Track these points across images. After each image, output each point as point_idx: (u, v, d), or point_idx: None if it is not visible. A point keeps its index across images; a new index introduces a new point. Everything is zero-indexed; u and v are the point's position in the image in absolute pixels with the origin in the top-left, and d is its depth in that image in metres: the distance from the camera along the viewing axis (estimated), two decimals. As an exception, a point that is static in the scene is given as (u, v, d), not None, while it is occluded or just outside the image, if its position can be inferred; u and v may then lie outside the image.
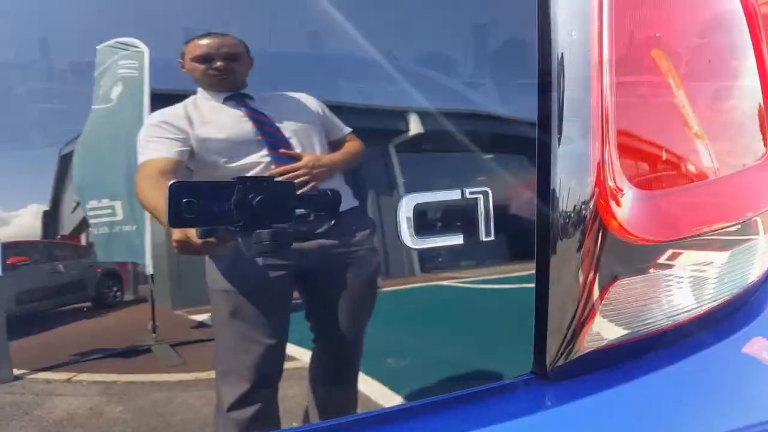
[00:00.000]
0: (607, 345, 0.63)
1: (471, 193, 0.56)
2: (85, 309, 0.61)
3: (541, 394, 0.60)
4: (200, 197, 0.53)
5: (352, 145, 0.59)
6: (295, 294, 0.62)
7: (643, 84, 0.65)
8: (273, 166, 0.58)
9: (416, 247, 0.56)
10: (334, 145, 0.59)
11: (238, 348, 0.63)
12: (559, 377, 0.61)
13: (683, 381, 0.65)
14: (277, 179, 0.56)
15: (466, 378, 0.60)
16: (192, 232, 0.55)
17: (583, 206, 0.58)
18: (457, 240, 0.56)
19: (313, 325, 0.62)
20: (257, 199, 0.53)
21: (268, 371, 0.62)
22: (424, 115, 0.59)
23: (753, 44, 0.73)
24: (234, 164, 0.58)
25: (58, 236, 0.58)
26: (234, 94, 0.59)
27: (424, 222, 0.56)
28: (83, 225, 0.56)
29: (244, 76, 0.59)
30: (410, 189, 0.56)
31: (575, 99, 0.60)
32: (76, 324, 0.62)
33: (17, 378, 0.60)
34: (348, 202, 0.60)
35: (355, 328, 0.61)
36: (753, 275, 0.75)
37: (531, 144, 0.60)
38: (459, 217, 0.57)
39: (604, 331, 0.62)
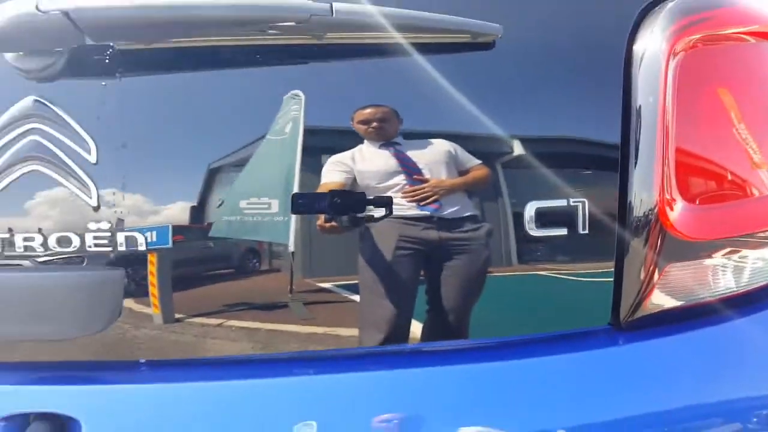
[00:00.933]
0: (664, 310, 0.89)
1: (573, 201, 0.85)
2: (232, 274, 0.92)
3: (615, 337, 0.87)
4: (306, 200, 0.86)
5: (477, 173, 0.88)
6: (422, 271, 0.91)
7: (704, 120, 0.90)
8: (407, 187, 0.88)
9: (536, 234, 0.85)
10: (463, 173, 0.89)
11: (374, 307, 0.91)
12: (628, 328, 0.88)
13: (721, 338, 0.90)
14: (349, 191, 0.86)
15: (566, 324, 0.89)
16: (323, 218, 0.85)
17: (649, 212, 0.85)
18: (563, 232, 0.85)
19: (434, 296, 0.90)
20: (339, 200, 0.84)
21: (397, 327, 0.90)
22: (543, 143, 0.88)
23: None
24: (381, 185, 0.88)
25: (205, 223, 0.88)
26: (386, 142, 0.89)
27: (542, 219, 0.85)
28: (236, 214, 0.87)
29: (395, 132, 0.88)
30: (533, 198, 0.85)
31: (647, 136, 0.86)
32: (227, 283, 0.91)
33: (178, 320, 0.88)
34: (480, 207, 0.89)
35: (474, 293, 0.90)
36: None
37: (615, 167, 0.87)
38: (565, 216, 0.85)
39: (661, 300, 0.89)
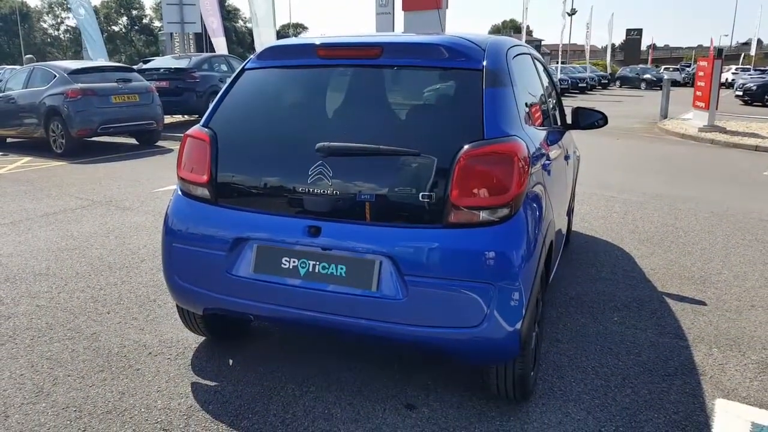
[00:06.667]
0: (456, 222, 3.40)
1: (431, 191, 3.45)
2: None
3: (441, 228, 3.41)
4: None
5: None
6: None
7: (474, 178, 3.41)
8: None
9: (424, 201, 3.46)
10: None
11: None
12: (448, 227, 3.41)
13: (477, 235, 3.37)
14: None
15: (432, 222, 3.44)
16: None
17: (448, 194, 3.35)
18: (429, 199, 3.43)
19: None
20: None
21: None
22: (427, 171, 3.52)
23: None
24: None
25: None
26: None
27: (428, 196, 3.48)
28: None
29: None
30: (426, 190, 3.49)
31: (446, 177, 3.41)
32: None
33: None
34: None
35: None
36: (506, 212, 3.40)
37: (446, 181, 3.42)
38: (432, 195, 3.44)
39: (454, 220, 3.40)
